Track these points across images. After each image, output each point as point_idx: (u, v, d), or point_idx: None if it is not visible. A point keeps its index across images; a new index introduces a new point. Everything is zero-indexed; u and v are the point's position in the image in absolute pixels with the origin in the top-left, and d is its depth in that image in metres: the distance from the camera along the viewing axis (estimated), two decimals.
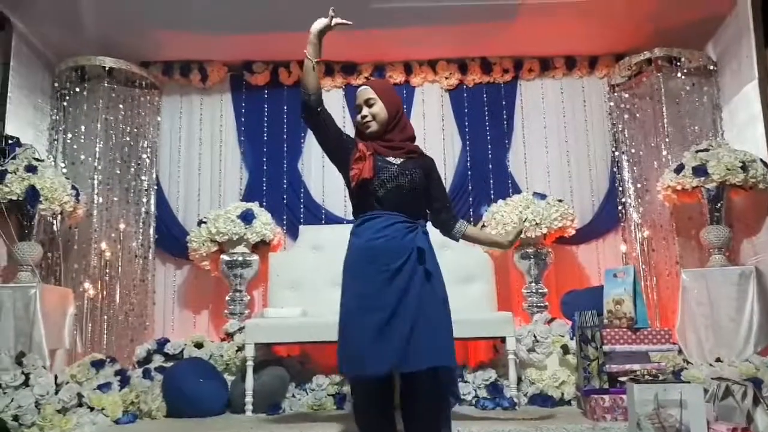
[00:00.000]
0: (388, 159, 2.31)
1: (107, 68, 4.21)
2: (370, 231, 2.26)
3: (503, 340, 3.34)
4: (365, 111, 2.34)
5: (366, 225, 2.29)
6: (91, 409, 2.96)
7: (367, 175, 2.25)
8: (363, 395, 2.25)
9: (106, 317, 3.97)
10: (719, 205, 3.70)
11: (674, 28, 4.08)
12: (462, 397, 3.25)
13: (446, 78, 4.53)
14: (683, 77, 4.15)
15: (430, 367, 2.12)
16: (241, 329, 3.63)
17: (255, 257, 4.05)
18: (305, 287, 3.93)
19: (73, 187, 3.77)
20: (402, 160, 2.32)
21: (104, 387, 3.14)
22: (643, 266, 4.06)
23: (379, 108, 2.33)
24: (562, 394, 3.36)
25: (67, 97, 4.25)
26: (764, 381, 2.74)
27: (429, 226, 2.39)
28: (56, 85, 4.27)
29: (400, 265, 2.18)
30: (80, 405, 2.95)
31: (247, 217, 3.99)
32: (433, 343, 2.12)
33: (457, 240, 2.48)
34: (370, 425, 2.27)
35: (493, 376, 3.40)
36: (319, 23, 2.29)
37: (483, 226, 4.10)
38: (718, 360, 3.23)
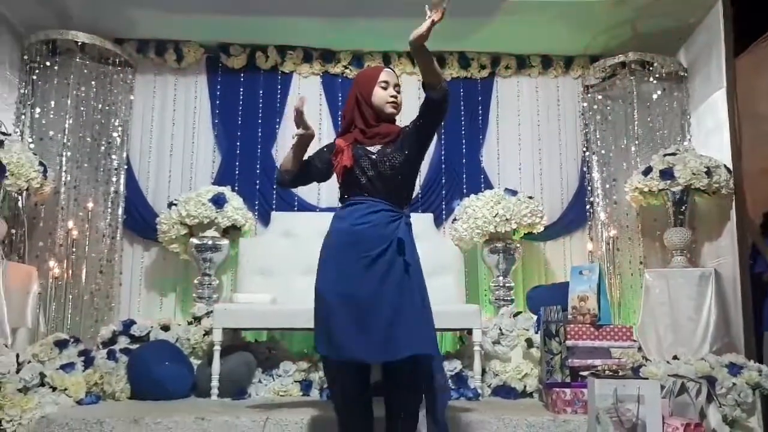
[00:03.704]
0: (366, 148, 2.32)
1: (80, 43, 4.11)
2: (353, 216, 2.26)
3: (470, 331, 3.40)
4: (395, 93, 2.35)
5: (350, 209, 2.29)
6: (54, 389, 2.91)
7: (347, 163, 2.27)
8: (337, 377, 2.26)
9: (71, 297, 3.89)
10: (683, 208, 3.79)
11: (649, 34, 4.16)
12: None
13: None
14: (655, 82, 4.23)
15: (409, 358, 2.08)
16: (208, 313, 3.60)
17: (225, 242, 4.02)
18: (275, 274, 3.93)
19: (41, 164, 3.69)
20: (379, 147, 2.32)
21: (67, 367, 3.08)
22: (608, 265, 4.13)
23: (401, 100, 2.37)
24: (525, 386, 3.42)
25: (37, 71, 4.13)
26: (718, 379, 2.84)
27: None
28: (26, 57, 4.15)
29: (380, 253, 2.17)
30: (42, 385, 2.90)
31: (218, 201, 3.96)
32: (412, 333, 2.11)
33: (435, 88, 2.22)
34: (346, 408, 2.29)
35: (458, 367, 3.46)
36: (301, 132, 2.33)
37: (455, 220, 4.16)
38: (675, 358, 3.33)
